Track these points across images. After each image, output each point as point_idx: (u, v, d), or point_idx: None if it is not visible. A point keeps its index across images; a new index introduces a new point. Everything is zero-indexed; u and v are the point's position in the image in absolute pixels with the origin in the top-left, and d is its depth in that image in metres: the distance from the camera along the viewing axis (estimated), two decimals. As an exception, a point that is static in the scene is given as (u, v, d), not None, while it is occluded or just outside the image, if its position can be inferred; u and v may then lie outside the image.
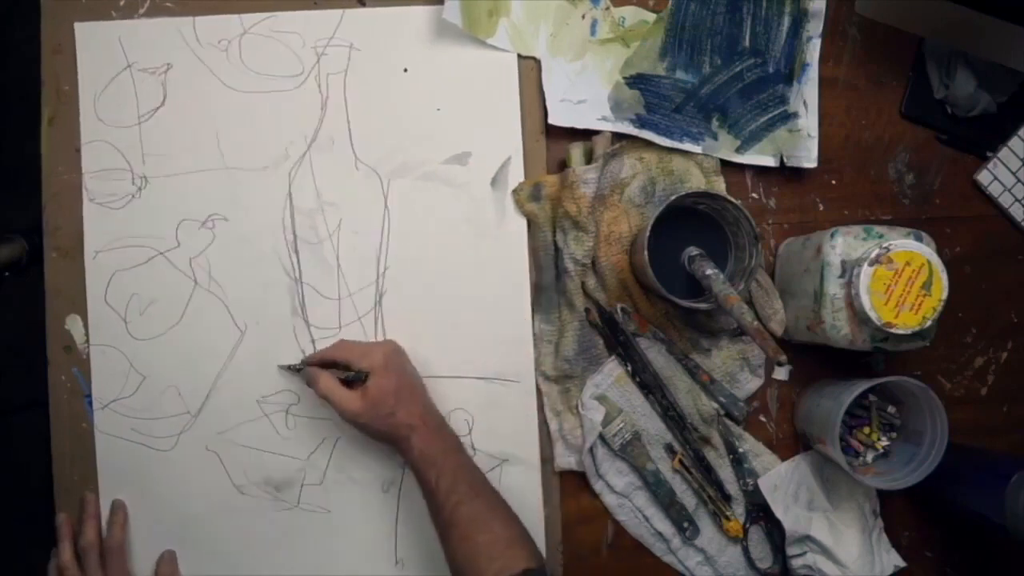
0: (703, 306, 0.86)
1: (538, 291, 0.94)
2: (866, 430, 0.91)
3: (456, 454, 0.84)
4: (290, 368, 0.91)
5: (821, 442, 0.88)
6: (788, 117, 0.95)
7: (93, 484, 0.91)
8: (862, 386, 0.85)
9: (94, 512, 0.91)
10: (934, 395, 0.84)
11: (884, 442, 0.90)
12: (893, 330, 0.80)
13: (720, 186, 0.96)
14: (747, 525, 0.94)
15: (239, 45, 0.93)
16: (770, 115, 0.95)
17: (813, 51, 0.96)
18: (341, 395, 0.85)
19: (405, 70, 0.94)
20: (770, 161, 0.96)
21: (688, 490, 0.94)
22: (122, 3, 0.93)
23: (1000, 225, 0.98)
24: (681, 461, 0.93)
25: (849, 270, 0.82)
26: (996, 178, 0.97)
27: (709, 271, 0.82)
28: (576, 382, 0.94)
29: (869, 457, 0.91)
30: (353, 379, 0.87)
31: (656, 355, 0.94)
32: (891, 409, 0.91)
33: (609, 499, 0.93)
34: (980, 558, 0.96)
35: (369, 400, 0.84)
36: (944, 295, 0.80)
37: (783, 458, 0.95)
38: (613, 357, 0.94)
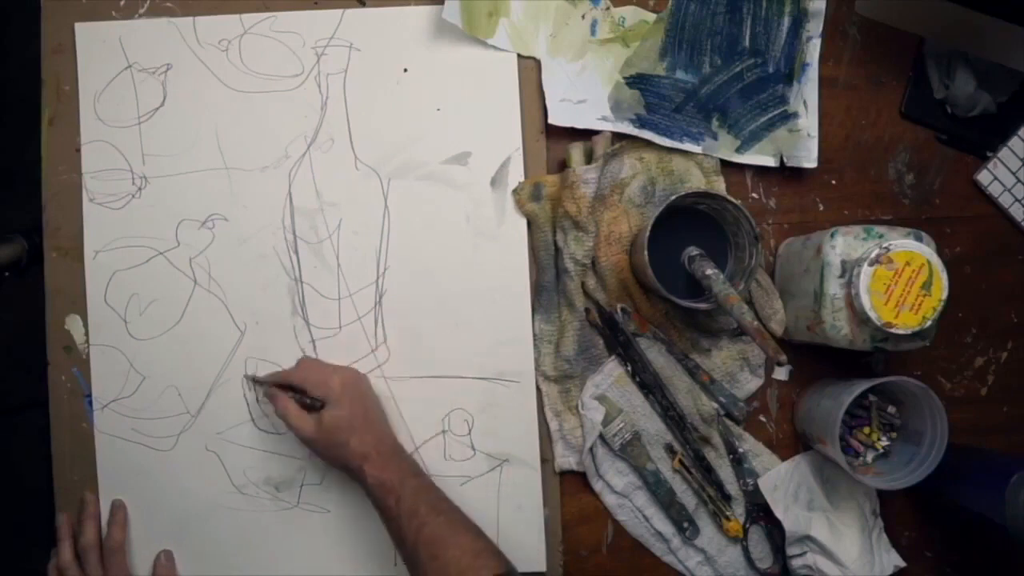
0: (703, 306, 0.86)
1: (538, 291, 0.94)
2: (866, 430, 0.91)
3: (413, 477, 0.84)
4: (250, 378, 0.91)
5: (821, 442, 0.88)
6: (788, 117, 0.96)
7: (93, 484, 0.91)
8: (862, 386, 0.85)
9: (94, 512, 0.91)
10: (934, 395, 0.84)
11: (884, 442, 0.90)
12: (893, 330, 0.80)
13: (720, 186, 0.96)
14: (747, 525, 0.94)
15: (239, 45, 0.93)
16: (770, 115, 0.95)
17: (813, 51, 0.96)
18: (297, 419, 0.85)
19: (405, 70, 0.94)
20: (770, 161, 0.96)
21: (688, 490, 0.94)
22: (122, 3, 0.93)
23: (1000, 225, 0.98)
24: (681, 461, 0.93)
25: (849, 270, 0.82)
26: (996, 178, 0.97)
27: (709, 271, 0.82)
28: (576, 382, 0.94)
29: (869, 457, 0.91)
30: (311, 405, 0.87)
31: (656, 355, 0.94)
32: (891, 409, 0.91)
33: (609, 499, 0.93)
34: (980, 558, 0.96)
35: (323, 428, 0.84)
36: (944, 295, 0.80)
37: (783, 458, 0.95)
38: (613, 357, 0.94)
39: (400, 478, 0.83)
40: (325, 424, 0.84)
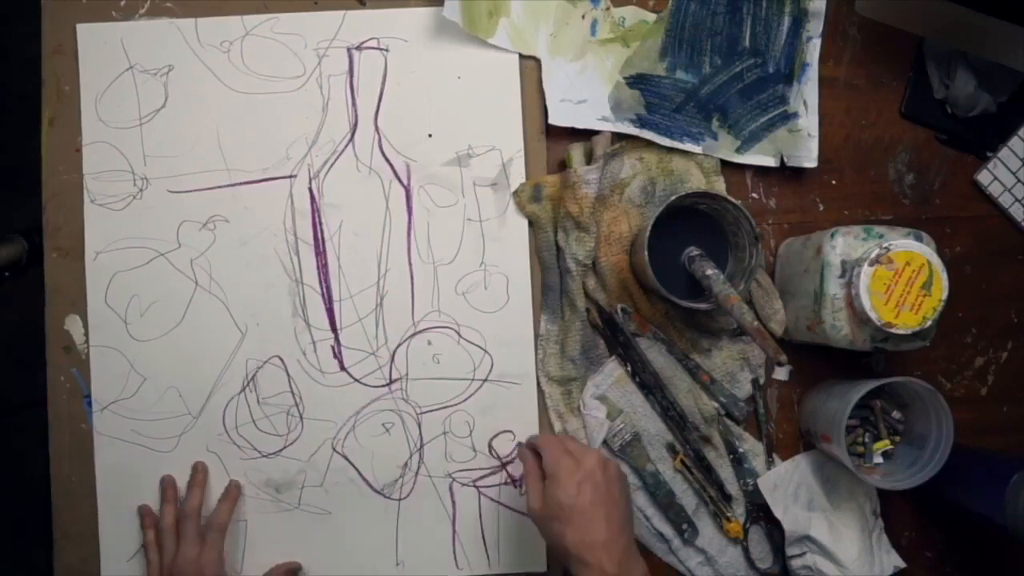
0: (703, 306, 0.86)
1: (544, 291, 0.94)
2: (867, 436, 0.91)
3: None
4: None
5: (826, 440, 0.88)
6: (788, 117, 0.96)
7: (92, 485, 0.91)
8: (869, 385, 0.84)
9: (201, 481, 0.90)
10: (942, 398, 0.84)
11: (888, 445, 0.90)
12: (893, 330, 0.80)
13: (720, 186, 0.96)
14: (747, 525, 0.94)
15: (240, 47, 0.93)
16: (770, 115, 0.95)
17: (813, 51, 0.96)
18: (530, 486, 0.79)
19: (406, 71, 0.94)
20: (770, 161, 0.96)
21: (689, 490, 0.94)
22: (122, 3, 0.93)
23: (1000, 225, 0.98)
24: (683, 461, 0.93)
25: (849, 270, 0.82)
26: (996, 178, 0.97)
27: (709, 271, 0.82)
28: (578, 383, 0.94)
29: (872, 459, 0.91)
30: None
31: (656, 355, 0.94)
32: (896, 414, 0.91)
33: (610, 499, 0.93)
34: (980, 558, 0.97)
35: (543, 506, 0.76)
36: (944, 295, 0.80)
37: (783, 458, 0.95)
38: (613, 357, 0.94)
39: None
40: (547, 503, 0.76)
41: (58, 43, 0.92)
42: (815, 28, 0.96)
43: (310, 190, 0.93)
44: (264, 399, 0.92)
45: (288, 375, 0.92)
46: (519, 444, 0.88)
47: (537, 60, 0.94)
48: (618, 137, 0.94)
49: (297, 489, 0.92)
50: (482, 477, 0.93)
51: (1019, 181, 0.97)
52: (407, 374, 0.93)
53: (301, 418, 0.92)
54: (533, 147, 0.94)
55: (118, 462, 0.91)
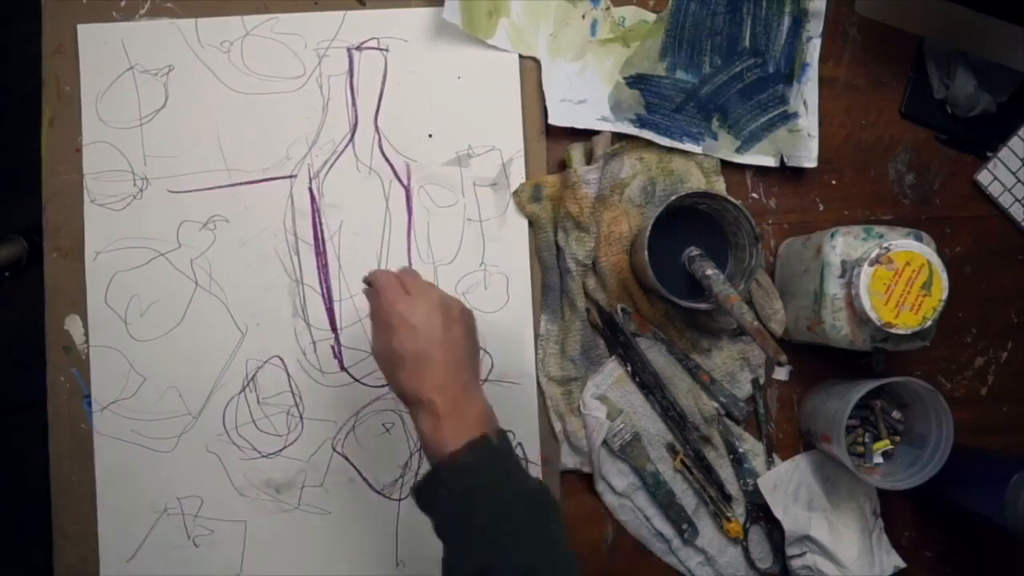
0: (703, 306, 0.86)
1: (544, 291, 0.94)
2: (867, 436, 0.91)
3: (480, 450, 0.67)
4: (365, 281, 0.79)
5: (826, 440, 0.88)
6: (788, 117, 0.96)
7: (92, 485, 0.91)
8: (869, 385, 0.85)
9: None
10: (941, 398, 0.84)
11: (888, 445, 0.90)
12: (893, 330, 0.80)
13: (720, 186, 0.96)
14: (747, 525, 0.94)
15: (241, 47, 0.93)
16: (770, 115, 0.95)
17: (813, 51, 0.96)
18: (375, 329, 0.73)
19: (406, 71, 0.94)
20: (770, 161, 0.96)
21: (689, 490, 0.94)
22: (123, 3, 0.93)
23: (1000, 225, 0.98)
24: (683, 461, 0.93)
25: (849, 270, 0.82)
26: (996, 178, 0.97)
27: (709, 271, 0.82)
28: (578, 383, 0.94)
29: (872, 458, 0.91)
30: None
31: (656, 355, 0.94)
32: (896, 414, 0.91)
33: (610, 499, 0.93)
34: (980, 558, 0.97)
35: (381, 351, 0.72)
36: (944, 295, 0.80)
37: (783, 458, 0.95)
38: (613, 357, 0.94)
39: (455, 453, 0.67)
40: (382, 347, 0.72)
41: (58, 43, 0.92)
42: (815, 28, 0.96)
43: (310, 190, 0.93)
44: (264, 399, 0.92)
45: (288, 375, 0.92)
46: (365, 285, 0.77)
47: (537, 60, 0.94)
48: (618, 137, 0.94)
49: (297, 489, 0.92)
50: (482, 477, 0.93)
51: (1019, 181, 0.97)
52: (407, 374, 0.93)
53: (301, 418, 0.92)
54: (533, 147, 0.94)
55: (118, 462, 0.91)
